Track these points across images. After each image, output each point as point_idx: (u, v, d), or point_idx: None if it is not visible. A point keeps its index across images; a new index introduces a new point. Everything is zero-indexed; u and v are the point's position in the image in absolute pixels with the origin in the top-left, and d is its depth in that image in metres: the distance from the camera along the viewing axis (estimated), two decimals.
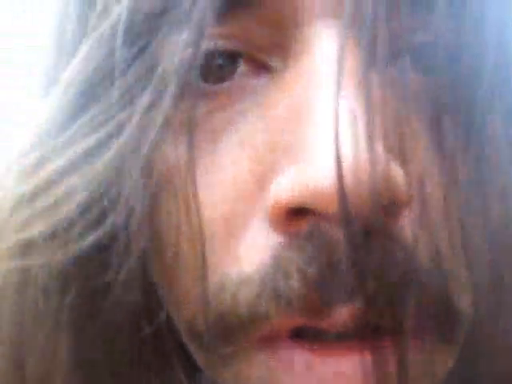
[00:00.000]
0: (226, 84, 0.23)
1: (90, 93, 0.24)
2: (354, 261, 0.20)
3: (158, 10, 0.22)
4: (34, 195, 0.24)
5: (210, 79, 0.23)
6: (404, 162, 0.21)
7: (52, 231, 0.23)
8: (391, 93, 0.22)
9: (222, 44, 0.23)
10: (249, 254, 0.22)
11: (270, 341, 0.22)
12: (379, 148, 0.20)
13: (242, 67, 0.23)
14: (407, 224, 0.21)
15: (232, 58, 0.23)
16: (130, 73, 0.23)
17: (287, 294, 0.21)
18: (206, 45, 0.22)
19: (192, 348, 0.25)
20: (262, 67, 0.23)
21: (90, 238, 0.22)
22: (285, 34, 0.23)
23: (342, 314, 0.20)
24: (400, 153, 0.21)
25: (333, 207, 0.20)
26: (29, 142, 0.25)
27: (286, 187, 0.21)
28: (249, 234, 0.22)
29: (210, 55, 0.23)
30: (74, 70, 0.24)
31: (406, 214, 0.21)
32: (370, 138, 0.20)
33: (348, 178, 0.19)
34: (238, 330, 0.22)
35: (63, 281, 0.24)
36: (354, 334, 0.21)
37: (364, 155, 0.19)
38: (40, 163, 0.24)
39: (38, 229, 0.23)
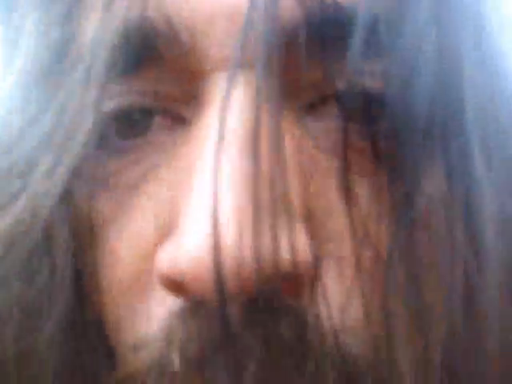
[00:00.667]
0: (141, 139, 0.22)
1: None
2: (233, 341, 0.18)
3: (54, 61, 0.22)
4: None
5: (126, 134, 0.22)
6: (310, 234, 0.20)
7: None
8: (307, 143, 0.21)
9: (135, 100, 0.22)
10: (149, 317, 0.21)
11: None
12: (266, 222, 0.18)
13: (157, 121, 0.23)
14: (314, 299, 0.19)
15: (147, 112, 0.22)
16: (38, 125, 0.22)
17: (170, 371, 0.20)
18: (119, 101, 0.22)
19: None
20: (177, 120, 0.23)
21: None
22: (193, 85, 0.22)
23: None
24: (305, 221, 0.20)
25: (205, 289, 0.18)
26: None
27: (164, 261, 0.20)
28: (149, 294, 0.22)
29: (125, 111, 0.22)
30: None
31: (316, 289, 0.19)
32: (256, 210, 0.18)
33: (226, 255, 0.18)
34: None
35: None
36: None
37: (246, 231, 0.18)
38: None
39: None
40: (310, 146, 0.21)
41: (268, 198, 0.19)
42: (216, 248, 0.18)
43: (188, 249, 0.18)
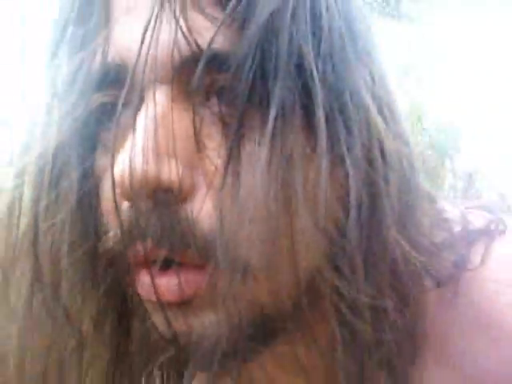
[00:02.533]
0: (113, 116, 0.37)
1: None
2: (143, 221, 0.34)
3: None
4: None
5: (108, 113, 0.38)
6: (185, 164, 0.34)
7: None
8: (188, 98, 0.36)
9: (110, 99, 0.38)
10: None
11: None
12: (152, 156, 0.33)
13: (119, 108, 0.36)
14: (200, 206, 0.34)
15: (114, 104, 0.37)
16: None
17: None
18: (102, 99, 0.38)
19: None
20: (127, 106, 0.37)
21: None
22: (134, 92, 0.36)
23: (145, 248, 0.34)
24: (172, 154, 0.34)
25: (124, 192, 0.34)
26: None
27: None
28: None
29: (104, 104, 0.38)
30: None
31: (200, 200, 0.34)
32: (148, 151, 0.33)
33: (133, 176, 0.33)
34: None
35: None
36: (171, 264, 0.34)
37: (139, 162, 0.33)
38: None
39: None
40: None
41: (164, 147, 0.34)
42: (131, 169, 0.33)
43: (117, 169, 0.34)
